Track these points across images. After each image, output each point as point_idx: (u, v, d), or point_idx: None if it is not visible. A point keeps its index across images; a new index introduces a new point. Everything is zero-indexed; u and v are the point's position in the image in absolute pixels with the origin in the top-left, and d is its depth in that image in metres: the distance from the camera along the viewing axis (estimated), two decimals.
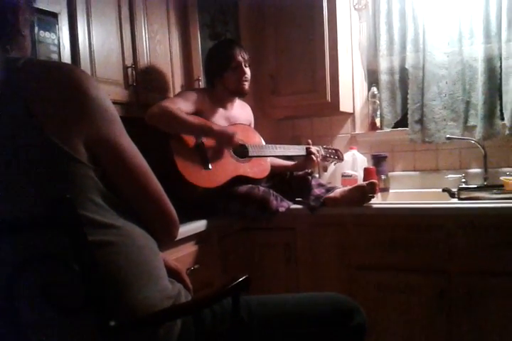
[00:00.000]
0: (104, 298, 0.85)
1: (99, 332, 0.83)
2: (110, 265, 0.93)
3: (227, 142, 1.98)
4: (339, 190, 2.07)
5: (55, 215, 0.80)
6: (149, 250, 1.03)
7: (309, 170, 2.25)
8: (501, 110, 2.40)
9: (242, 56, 2.10)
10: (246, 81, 2.12)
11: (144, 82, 1.93)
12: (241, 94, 2.15)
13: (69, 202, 0.80)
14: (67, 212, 0.80)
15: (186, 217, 1.77)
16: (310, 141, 2.32)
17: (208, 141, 1.98)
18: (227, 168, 2.01)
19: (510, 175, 2.24)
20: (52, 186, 0.90)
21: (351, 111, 2.73)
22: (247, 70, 2.12)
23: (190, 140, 1.96)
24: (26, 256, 0.86)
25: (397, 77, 2.65)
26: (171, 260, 1.22)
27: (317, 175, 2.49)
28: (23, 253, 0.87)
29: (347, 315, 1.19)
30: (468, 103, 2.48)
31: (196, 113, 2.00)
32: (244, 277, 0.96)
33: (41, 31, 1.47)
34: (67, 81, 0.93)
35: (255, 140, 2.21)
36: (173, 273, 1.16)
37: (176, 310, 0.98)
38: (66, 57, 1.58)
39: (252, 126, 2.33)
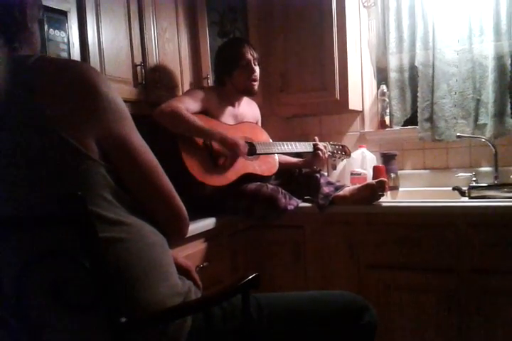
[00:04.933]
0: (114, 294, 0.85)
1: (109, 328, 0.83)
2: (120, 262, 0.93)
3: (233, 152, 1.95)
4: (348, 189, 2.06)
5: (66, 212, 0.80)
6: (159, 247, 1.03)
7: (318, 168, 2.25)
8: None
9: (251, 54, 2.09)
10: (255, 80, 2.10)
11: (153, 80, 1.93)
12: (250, 93, 2.14)
13: (80, 200, 0.80)
14: (78, 210, 0.80)
15: (195, 215, 1.77)
16: (316, 138, 2.31)
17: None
18: (235, 166, 2.00)
19: None
20: (64, 183, 0.90)
21: (360, 109, 2.72)
22: (257, 69, 2.11)
23: (199, 138, 1.96)
24: (36, 254, 0.86)
25: (406, 74, 2.64)
26: (180, 258, 1.22)
27: (326, 173, 2.48)
28: (33, 251, 0.87)
29: (357, 313, 1.18)
30: (478, 101, 2.46)
31: (204, 111, 2.00)
32: (254, 275, 0.96)
33: (51, 29, 1.48)
34: (78, 78, 0.93)
35: (262, 138, 2.21)
36: (182, 271, 1.16)
37: (186, 307, 0.98)
38: (75, 55, 1.58)
39: (259, 123, 2.32)
